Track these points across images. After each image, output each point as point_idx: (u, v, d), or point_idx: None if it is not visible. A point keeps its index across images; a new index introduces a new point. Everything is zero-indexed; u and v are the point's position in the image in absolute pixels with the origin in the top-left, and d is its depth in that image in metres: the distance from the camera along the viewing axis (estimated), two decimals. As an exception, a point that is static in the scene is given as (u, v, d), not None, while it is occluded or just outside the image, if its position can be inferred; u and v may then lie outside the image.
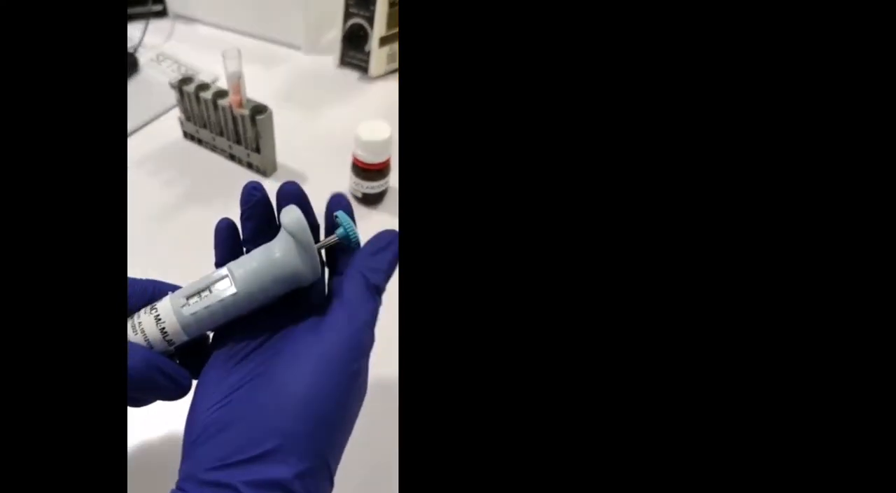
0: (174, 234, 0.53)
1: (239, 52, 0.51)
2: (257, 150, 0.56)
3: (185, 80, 0.57)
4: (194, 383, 0.28)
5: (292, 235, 0.27)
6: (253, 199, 0.28)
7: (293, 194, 0.28)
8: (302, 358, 0.24)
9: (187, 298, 0.28)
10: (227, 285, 0.27)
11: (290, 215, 0.27)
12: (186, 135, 0.62)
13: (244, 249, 0.29)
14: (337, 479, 0.25)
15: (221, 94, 0.55)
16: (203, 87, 0.56)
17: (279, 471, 0.22)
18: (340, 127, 0.64)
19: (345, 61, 0.74)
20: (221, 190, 0.57)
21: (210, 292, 0.27)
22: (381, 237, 0.27)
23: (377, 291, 0.26)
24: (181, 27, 0.79)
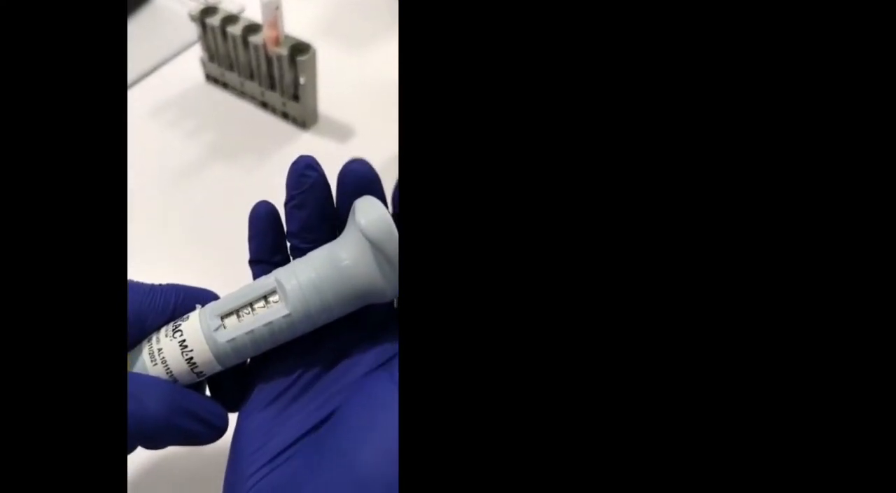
0: (196, 195, 0.49)
1: (277, -27, 0.44)
2: (295, 97, 0.51)
3: (208, 11, 0.51)
4: (230, 417, 0.24)
5: (375, 243, 0.21)
6: (307, 182, 0.23)
7: (363, 180, 0.23)
8: (380, 425, 0.20)
9: (222, 318, 0.22)
10: (276, 303, 0.22)
11: (371, 214, 0.21)
12: (209, 78, 0.57)
13: (287, 243, 0.24)
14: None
15: (253, 28, 0.49)
16: (230, 19, 0.50)
17: None
18: (395, 68, 0.59)
19: (396, -13, 0.68)
20: (251, 144, 0.52)
21: (253, 310, 0.22)
22: None
23: None
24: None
